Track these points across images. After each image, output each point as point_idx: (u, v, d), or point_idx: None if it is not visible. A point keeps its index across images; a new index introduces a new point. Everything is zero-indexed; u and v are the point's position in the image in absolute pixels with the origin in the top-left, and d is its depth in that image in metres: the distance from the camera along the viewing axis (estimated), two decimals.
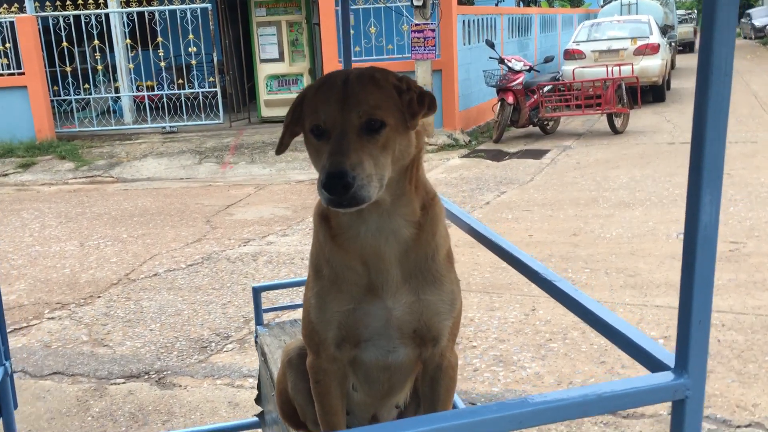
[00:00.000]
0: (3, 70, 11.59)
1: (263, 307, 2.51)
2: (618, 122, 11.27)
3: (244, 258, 5.86)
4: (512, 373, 3.68)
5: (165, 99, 12.10)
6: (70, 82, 11.83)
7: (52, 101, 11.87)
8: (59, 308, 4.95)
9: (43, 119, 11.58)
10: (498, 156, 10.23)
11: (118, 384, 3.84)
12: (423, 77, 10.86)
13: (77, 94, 12.00)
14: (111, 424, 3.45)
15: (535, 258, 1.58)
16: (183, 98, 12.05)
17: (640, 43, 14.23)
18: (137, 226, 7.13)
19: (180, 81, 11.98)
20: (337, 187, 1.21)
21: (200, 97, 12.07)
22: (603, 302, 4.25)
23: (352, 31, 10.39)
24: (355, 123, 1.30)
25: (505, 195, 7.69)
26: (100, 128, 12.03)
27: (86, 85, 11.98)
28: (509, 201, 7.40)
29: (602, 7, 24.61)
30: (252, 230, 6.78)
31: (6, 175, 10.44)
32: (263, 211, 7.61)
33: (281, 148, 1.50)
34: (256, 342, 2.60)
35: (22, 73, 11.50)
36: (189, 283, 5.32)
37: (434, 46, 10.84)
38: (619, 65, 12.15)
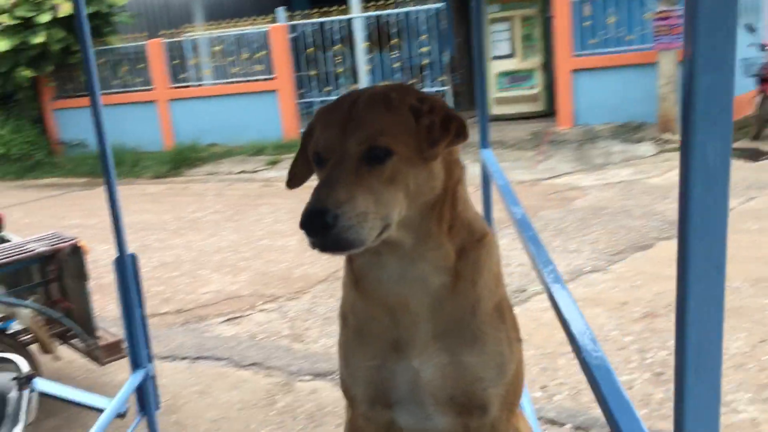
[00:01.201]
0: (258, 76, 12.74)
1: None
2: None
3: None
4: (722, 415, 3.12)
5: None
6: (315, 85, 12.68)
7: (297, 104, 12.82)
8: (271, 301, 5.25)
9: (290, 120, 12.55)
10: (754, 155, 8.99)
11: (305, 381, 3.94)
12: (667, 69, 9.91)
13: (321, 97, 12.82)
14: (290, 421, 3.54)
15: None
16: None
17: None
18: None
19: (414, 80, 12.25)
20: (315, 227, 1.02)
21: None
22: None
23: (589, 22, 9.75)
24: (353, 151, 1.10)
25: (754, 201, 6.69)
26: None
27: (328, 88, 12.75)
28: (758, 209, 6.42)
29: None
30: None
31: (256, 171, 11.48)
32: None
33: (291, 180, 1.31)
34: None
35: (273, 78, 12.57)
36: None
37: (680, 34, 9.81)
38: None
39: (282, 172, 11.11)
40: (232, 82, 12.81)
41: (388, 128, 1.12)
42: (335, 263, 5.96)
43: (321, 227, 1.03)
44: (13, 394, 1.86)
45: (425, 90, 12.11)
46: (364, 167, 1.10)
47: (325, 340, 4.44)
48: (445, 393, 1.28)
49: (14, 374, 1.88)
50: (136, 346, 1.99)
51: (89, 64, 1.76)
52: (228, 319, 4.97)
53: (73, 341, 3.89)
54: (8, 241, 4.17)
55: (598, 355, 0.84)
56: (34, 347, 3.68)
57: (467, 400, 1.28)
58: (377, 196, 1.09)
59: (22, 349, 3.52)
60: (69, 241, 3.68)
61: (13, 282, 3.98)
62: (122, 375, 4.19)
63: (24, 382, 1.85)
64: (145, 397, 2.06)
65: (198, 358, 4.39)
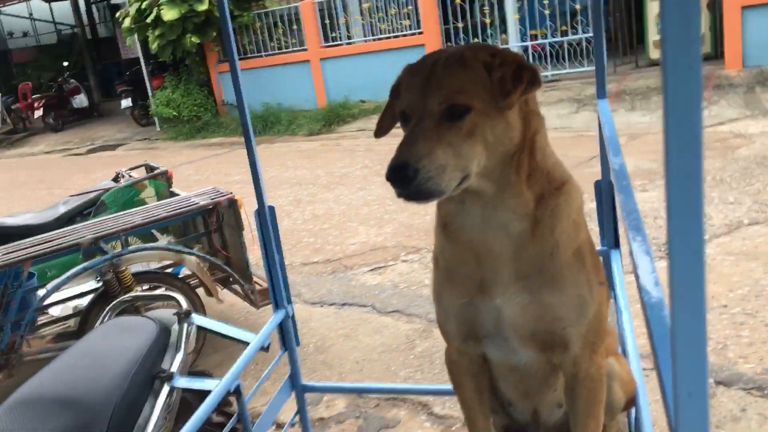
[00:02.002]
0: (405, 31, 12.83)
1: None
2: None
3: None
4: None
5: (548, 47, 12.07)
6: (462, 37, 12.58)
7: None
8: (413, 252, 5.43)
9: None
10: None
11: None
12: None
13: None
14: (428, 365, 3.71)
15: None
16: (566, 45, 11.88)
17: None
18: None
19: (564, 28, 11.81)
20: (398, 180, 1.12)
21: (583, 43, 11.74)
22: None
23: None
24: (434, 110, 1.18)
25: None
26: None
27: (476, 39, 12.59)
28: None
29: None
30: None
31: None
32: (628, 162, 7.16)
33: (379, 131, 1.40)
34: None
35: (420, 33, 12.61)
36: None
37: None
38: None
39: None
40: (381, 39, 13.01)
41: (464, 86, 1.19)
42: None
43: (404, 179, 1.12)
44: (175, 327, 2.14)
45: (576, 37, 11.66)
46: (445, 123, 1.18)
47: None
48: (527, 330, 1.35)
49: (176, 310, 2.16)
50: (276, 288, 2.20)
51: (227, 31, 1.94)
52: (373, 269, 5.21)
53: (233, 286, 4.28)
54: (177, 195, 4.62)
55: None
56: (200, 291, 4.10)
57: (548, 338, 1.35)
58: (456, 149, 1.17)
59: (190, 292, 3.94)
60: (226, 195, 4.03)
61: (181, 232, 4.44)
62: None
63: (183, 316, 2.12)
64: (286, 333, 2.28)
65: (344, 304, 4.67)
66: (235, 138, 12.75)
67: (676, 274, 0.57)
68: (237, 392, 1.97)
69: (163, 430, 1.89)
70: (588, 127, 9.44)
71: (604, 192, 2.31)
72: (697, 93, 0.54)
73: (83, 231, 3.75)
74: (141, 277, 3.80)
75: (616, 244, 2.36)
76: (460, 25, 12.45)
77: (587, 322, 1.34)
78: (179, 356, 2.04)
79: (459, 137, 1.17)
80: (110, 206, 4.53)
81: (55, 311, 3.97)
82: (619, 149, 1.55)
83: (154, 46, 13.25)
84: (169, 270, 4.14)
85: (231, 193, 4.07)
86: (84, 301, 3.80)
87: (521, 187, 1.28)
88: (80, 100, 17.05)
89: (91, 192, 4.73)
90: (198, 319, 2.17)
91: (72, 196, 4.84)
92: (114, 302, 2.64)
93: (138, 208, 4.24)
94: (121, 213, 4.15)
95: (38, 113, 16.35)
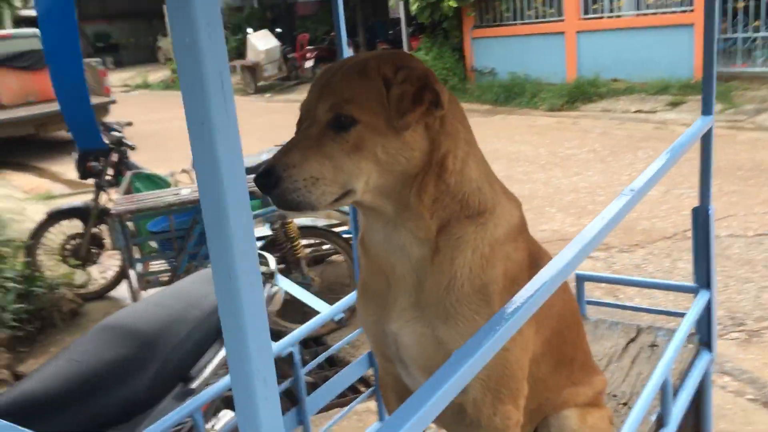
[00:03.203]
0: (674, 8, 11.74)
1: (586, 299, 2.18)
2: None
3: None
4: None
5: None
6: (741, 19, 11.18)
7: (717, 39, 11.49)
8: (602, 249, 5.07)
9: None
10: None
11: None
12: None
13: (745, 32, 11.28)
14: None
15: None
16: None
17: None
18: (735, 180, 6.51)
19: None
20: (262, 184, 1.06)
21: None
22: None
23: None
24: (321, 117, 1.11)
25: None
26: (764, 69, 11.11)
27: (757, 22, 11.12)
28: None
29: None
30: None
31: (654, 111, 10.77)
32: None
33: None
34: None
35: (692, 11, 11.44)
36: (742, 253, 4.69)
37: None
38: None
39: (683, 114, 10.24)
40: (646, 14, 12.06)
41: (356, 96, 1.11)
42: (687, 221, 5.43)
43: (266, 186, 1.07)
44: None
45: None
46: (330, 133, 1.11)
47: (639, 299, 4.17)
48: (423, 361, 1.28)
49: (263, 269, 2.28)
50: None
51: None
52: None
53: None
54: None
55: None
56: None
57: None
58: (336, 162, 1.09)
59: (351, 253, 4.11)
60: None
61: None
62: None
63: (268, 277, 2.23)
64: None
65: None
66: (476, 105, 12.78)
67: None
68: (290, 358, 2.04)
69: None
70: None
71: (700, 221, 1.99)
72: None
73: None
74: (307, 231, 4.03)
75: (708, 284, 2.03)
76: (740, 5, 11.06)
77: (487, 367, 1.19)
78: None
79: (342, 150, 1.10)
80: None
81: None
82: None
83: (414, 8, 13.67)
84: (339, 229, 4.34)
85: None
86: (258, 244, 4.16)
87: (422, 211, 1.18)
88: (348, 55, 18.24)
89: None
90: (281, 281, 2.27)
91: (276, 146, 5.25)
92: None
93: None
94: None
95: (309, 63, 17.82)
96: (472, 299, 1.21)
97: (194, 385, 2.02)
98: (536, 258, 1.33)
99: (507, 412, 1.28)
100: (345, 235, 4.21)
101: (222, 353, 2.12)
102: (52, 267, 5.04)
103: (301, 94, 17.22)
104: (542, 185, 6.91)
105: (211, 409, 2.50)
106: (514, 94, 12.58)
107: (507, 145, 9.01)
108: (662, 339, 2.23)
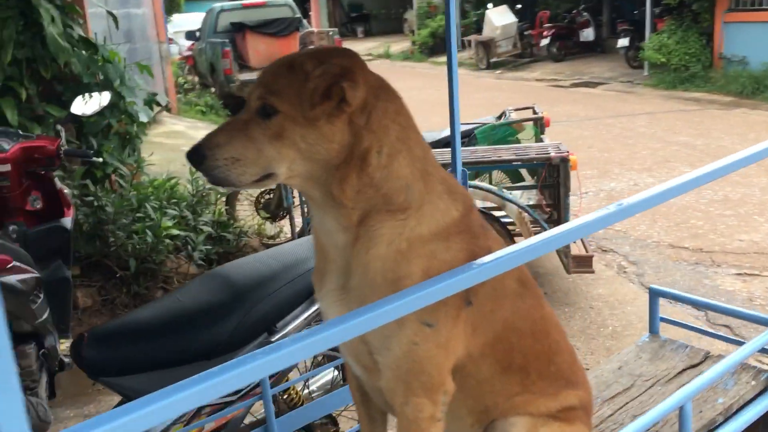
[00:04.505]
0: None
1: (660, 315, 1.97)
2: None
3: None
4: None
5: None
6: None
7: None
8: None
9: None
10: None
11: None
12: None
13: None
14: None
15: None
16: None
17: None
18: None
19: None
20: (191, 159, 1.22)
21: None
22: None
23: None
24: (252, 105, 1.23)
25: None
26: None
27: None
28: None
29: None
30: None
31: None
32: None
33: None
34: None
35: None
36: None
37: None
38: None
39: None
40: None
41: (281, 89, 1.21)
42: None
43: (194, 161, 1.21)
44: None
45: None
46: (256, 120, 1.22)
47: (747, 331, 3.65)
48: (347, 345, 1.35)
49: None
50: None
51: None
52: (740, 273, 4.52)
53: None
54: (541, 142, 4.69)
55: None
56: (518, 239, 4.21)
57: (364, 359, 1.34)
58: (258, 146, 1.20)
59: (508, 238, 4.09)
60: (562, 153, 3.96)
61: (516, 179, 4.54)
62: (586, 286, 4.40)
63: None
64: None
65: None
66: (717, 96, 11.66)
67: None
68: None
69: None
70: None
71: None
72: None
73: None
74: None
75: None
76: None
77: (395, 357, 1.27)
78: None
79: (265, 136, 1.20)
80: (480, 141, 4.86)
81: None
82: None
83: None
84: (497, 213, 4.31)
85: (567, 152, 3.98)
86: None
87: (343, 200, 1.25)
88: (587, 34, 17.49)
89: (470, 124, 5.12)
90: None
91: (466, 124, 5.28)
92: None
93: (504, 146, 4.49)
94: (485, 147, 4.46)
95: (545, 41, 17.38)
96: (383, 291, 1.22)
97: (275, 338, 2.23)
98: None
99: (419, 404, 1.30)
100: (504, 220, 4.19)
101: (309, 311, 2.30)
102: (247, 218, 5.64)
103: (532, 73, 16.98)
104: (759, 191, 6.20)
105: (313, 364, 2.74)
106: (764, 87, 11.26)
107: (736, 143, 8.15)
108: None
